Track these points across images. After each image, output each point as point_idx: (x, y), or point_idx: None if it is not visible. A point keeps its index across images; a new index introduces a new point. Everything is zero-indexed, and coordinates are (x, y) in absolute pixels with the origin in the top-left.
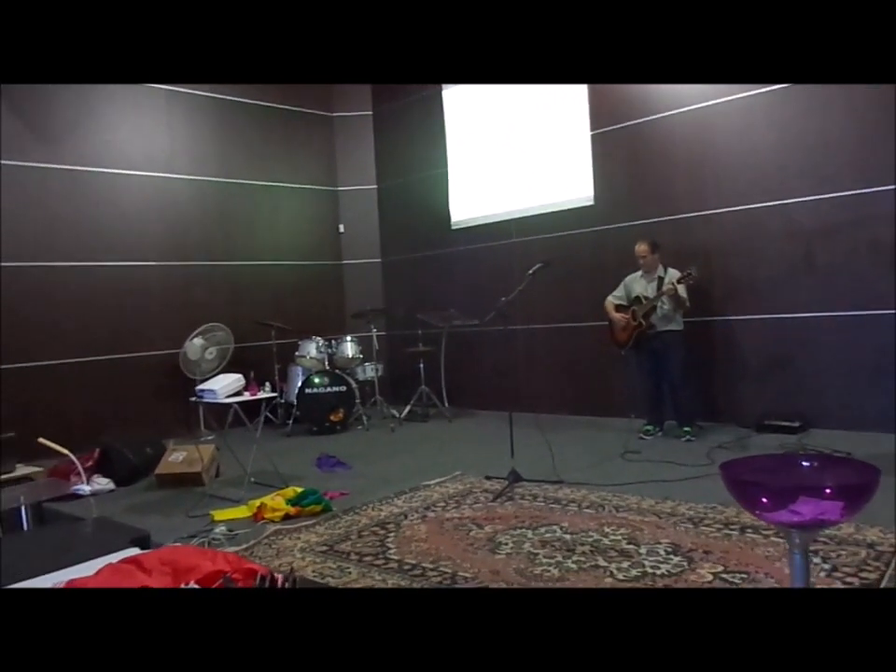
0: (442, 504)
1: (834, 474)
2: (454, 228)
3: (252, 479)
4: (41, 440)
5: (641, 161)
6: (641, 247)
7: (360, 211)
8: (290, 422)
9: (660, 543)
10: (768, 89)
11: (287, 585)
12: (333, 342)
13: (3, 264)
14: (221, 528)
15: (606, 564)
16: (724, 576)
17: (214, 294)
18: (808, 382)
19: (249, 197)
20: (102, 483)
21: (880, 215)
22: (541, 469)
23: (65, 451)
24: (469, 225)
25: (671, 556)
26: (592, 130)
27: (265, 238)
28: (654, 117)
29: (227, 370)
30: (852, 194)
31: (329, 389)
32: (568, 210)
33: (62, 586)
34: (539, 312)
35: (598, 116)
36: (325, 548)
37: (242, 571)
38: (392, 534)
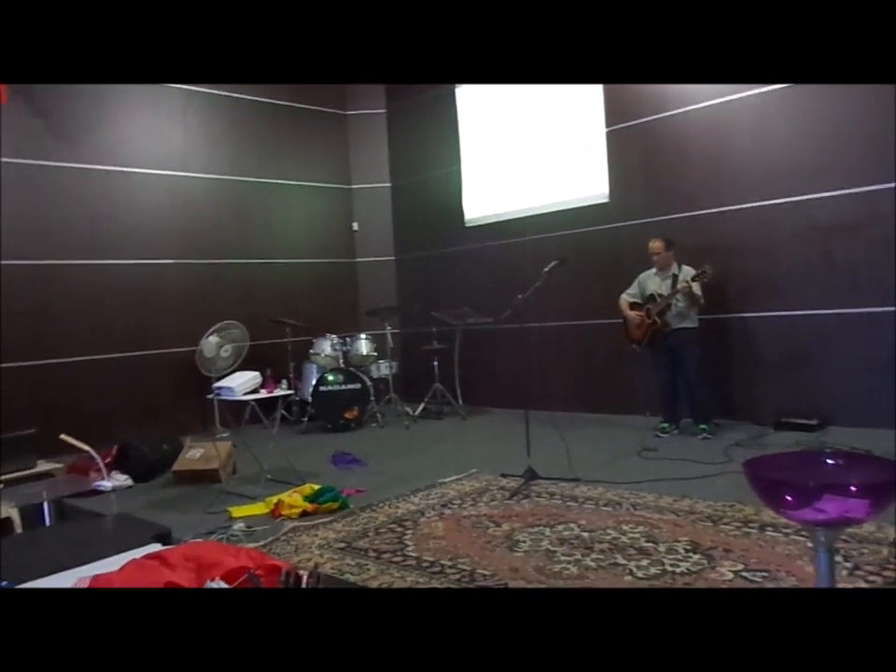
0: (459, 501)
1: (859, 472)
2: (467, 225)
3: (268, 476)
4: (63, 436)
5: (656, 158)
6: (655, 244)
7: (374, 209)
8: (305, 419)
9: (679, 541)
10: (784, 84)
11: (311, 582)
12: (347, 339)
13: (21, 262)
14: (240, 525)
15: (625, 562)
16: (745, 574)
17: (229, 292)
18: (826, 379)
19: (264, 195)
20: (120, 479)
21: None
22: (557, 467)
23: (87, 447)
24: (483, 223)
25: (690, 554)
26: (607, 127)
27: (279, 236)
28: (669, 113)
29: (242, 367)
30: (869, 190)
31: (343, 387)
32: (583, 207)
33: (87, 581)
34: (553, 309)
35: (613, 113)
36: (343, 545)
37: (265, 568)
38: (409, 531)
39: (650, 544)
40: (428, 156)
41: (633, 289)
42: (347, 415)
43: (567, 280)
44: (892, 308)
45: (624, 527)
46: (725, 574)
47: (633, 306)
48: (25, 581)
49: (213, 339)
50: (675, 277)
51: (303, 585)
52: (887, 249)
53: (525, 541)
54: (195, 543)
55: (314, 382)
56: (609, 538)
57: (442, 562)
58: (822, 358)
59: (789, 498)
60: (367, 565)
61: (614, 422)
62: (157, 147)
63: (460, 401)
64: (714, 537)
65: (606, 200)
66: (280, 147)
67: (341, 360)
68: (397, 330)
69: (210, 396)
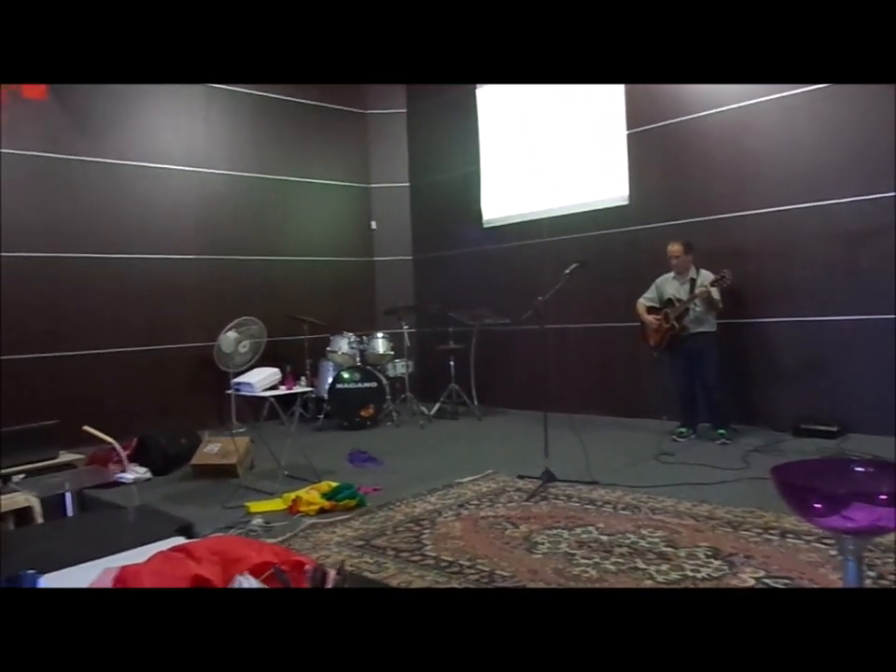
0: (476, 502)
1: (889, 480)
2: (485, 226)
3: (286, 472)
4: (86, 427)
5: (677, 161)
6: (675, 248)
7: (392, 208)
8: (321, 416)
9: (699, 546)
10: (808, 88)
11: (339, 580)
12: (364, 338)
13: (45, 255)
14: (258, 520)
15: (645, 566)
16: (767, 581)
17: (247, 288)
18: (846, 386)
19: (283, 192)
20: (139, 471)
21: None
22: (574, 470)
23: (110, 439)
24: (501, 224)
25: (711, 560)
26: (628, 129)
27: (298, 233)
28: (691, 116)
29: (259, 363)
30: (892, 196)
31: (359, 385)
32: (602, 210)
33: (113, 572)
34: (571, 311)
35: (635, 115)
36: (361, 542)
37: (289, 563)
38: (427, 531)
39: (669, 549)
40: (448, 156)
41: (650, 293)
42: (363, 413)
43: (585, 282)
44: None
45: (643, 531)
46: (747, 580)
47: (650, 310)
48: (51, 571)
49: (231, 334)
50: (693, 281)
51: (329, 582)
52: None
53: (543, 543)
54: (219, 538)
55: (330, 379)
56: (628, 541)
57: (461, 562)
58: (842, 365)
59: (817, 506)
60: (385, 563)
61: (631, 425)
62: (180, 143)
63: (476, 402)
64: (734, 543)
65: (625, 202)
66: (300, 145)
67: (357, 358)
68: (413, 330)
69: (229, 391)
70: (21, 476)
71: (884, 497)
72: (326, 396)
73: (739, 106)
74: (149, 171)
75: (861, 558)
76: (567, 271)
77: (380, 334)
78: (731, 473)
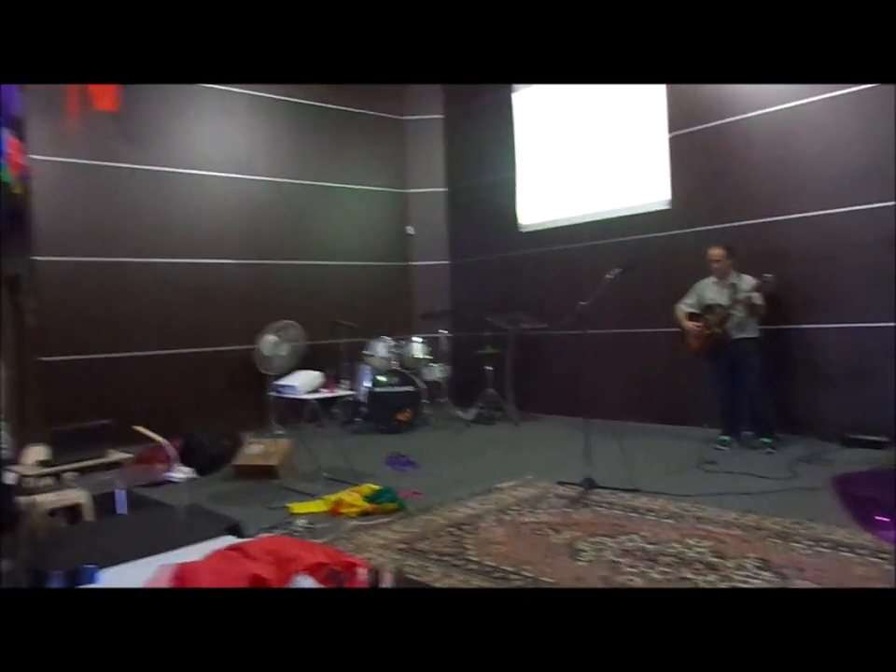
0: (517, 508)
1: None
2: (522, 231)
3: (325, 474)
4: (137, 427)
5: (721, 164)
6: (716, 252)
7: (429, 213)
8: (358, 420)
9: (747, 557)
10: (854, 88)
11: (397, 582)
12: (401, 342)
13: (94, 259)
14: (302, 521)
15: (692, 576)
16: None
17: (286, 292)
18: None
19: (322, 198)
20: (185, 471)
21: None
22: (614, 477)
23: (161, 439)
24: (538, 228)
25: (761, 572)
26: (670, 132)
27: (336, 238)
28: (736, 118)
29: (297, 367)
30: None
31: (396, 389)
32: (642, 214)
33: (170, 569)
34: (609, 316)
35: (677, 117)
36: (403, 546)
37: (341, 564)
38: (469, 535)
39: (717, 559)
40: (484, 161)
41: (690, 299)
42: (400, 417)
43: (624, 287)
44: None
45: (689, 541)
46: None
47: (691, 316)
48: (109, 567)
49: (271, 338)
50: (734, 286)
51: (385, 584)
52: None
53: (586, 551)
54: (271, 538)
55: (367, 383)
56: (673, 551)
57: (505, 568)
58: (891, 373)
59: (882, 518)
60: (429, 567)
61: (670, 432)
62: (222, 150)
63: (512, 407)
64: (785, 554)
65: (666, 206)
66: (339, 151)
67: (394, 363)
68: (450, 334)
69: (272, 393)
70: (74, 474)
71: None
72: (363, 399)
73: (785, 108)
74: (193, 177)
75: None
76: (611, 275)
77: (417, 338)
78: (777, 483)
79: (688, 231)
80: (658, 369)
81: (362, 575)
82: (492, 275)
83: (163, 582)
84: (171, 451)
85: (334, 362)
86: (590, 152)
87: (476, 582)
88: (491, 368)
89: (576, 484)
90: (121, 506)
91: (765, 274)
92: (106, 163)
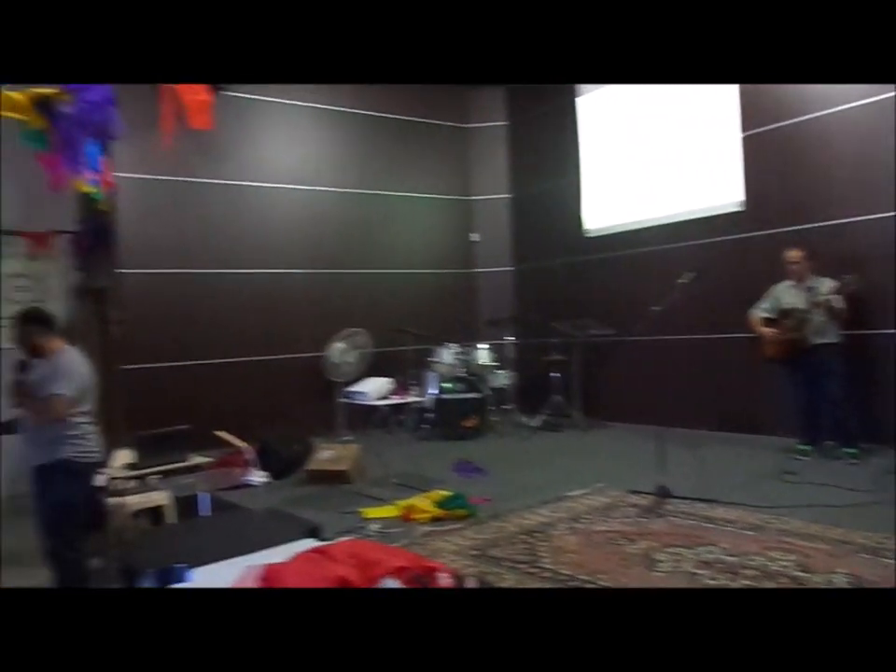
0: (589, 516)
1: None
2: (587, 236)
3: (395, 479)
4: (219, 432)
5: (796, 163)
6: (793, 254)
7: (493, 220)
8: (424, 426)
9: (835, 573)
10: None
11: (476, 586)
12: (467, 349)
13: (173, 271)
14: (375, 526)
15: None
16: None
17: (353, 300)
18: None
19: (387, 207)
20: (261, 475)
21: None
22: (688, 486)
23: (242, 443)
24: (604, 233)
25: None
26: (743, 131)
27: (401, 247)
28: (812, 115)
29: (364, 374)
30: None
31: (462, 395)
32: (714, 216)
33: (256, 570)
34: (680, 322)
35: (750, 116)
36: (476, 552)
37: (422, 569)
38: (542, 543)
39: (803, 574)
40: (548, 166)
41: (766, 303)
42: (466, 424)
43: (695, 292)
44: None
45: (772, 554)
46: None
47: (767, 322)
48: (197, 566)
49: (339, 345)
50: (812, 289)
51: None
52: None
53: (664, 561)
54: (352, 541)
55: (433, 390)
56: (755, 563)
57: (580, 576)
58: None
59: None
60: (503, 573)
61: (745, 441)
62: (289, 162)
63: (580, 414)
64: (876, 570)
65: (738, 208)
66: (403, 161)
67: (460, 369)
68: (516, 341)
69: (343, 399)
70: (157, 477)
71: None
72: (429, 406)
73: (863, 104)
74: (263, 190)
75: None
76: (684, 280)
77: (482, 345)
78: (864, 496)
79: (762, 233)
80: (731, 376)
81: (444, 580)
82: (557, 281)
83: (250, 583)
84: (250, 455)
85: (400, 369)
86: (657, 154)
87: None
88: (558, 375)
89: (649, 493)
90: (205, 508)
91: (845, 276)
92: (183, 179)
